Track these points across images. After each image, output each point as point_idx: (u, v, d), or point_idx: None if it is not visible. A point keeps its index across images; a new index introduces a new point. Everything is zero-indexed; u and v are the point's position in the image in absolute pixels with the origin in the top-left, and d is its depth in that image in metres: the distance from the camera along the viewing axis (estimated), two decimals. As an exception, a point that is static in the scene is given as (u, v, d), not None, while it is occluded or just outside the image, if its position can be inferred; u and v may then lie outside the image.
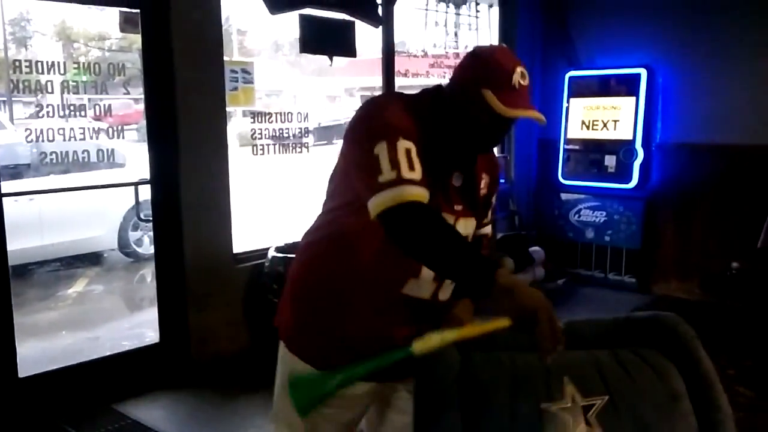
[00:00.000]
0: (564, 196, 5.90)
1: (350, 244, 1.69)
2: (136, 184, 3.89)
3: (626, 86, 5.45)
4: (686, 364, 1.79)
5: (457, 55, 5.56)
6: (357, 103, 16.71)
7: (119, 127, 3.80)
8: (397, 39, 5.03)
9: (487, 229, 1.93)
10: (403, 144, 1.54)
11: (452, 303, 1.79)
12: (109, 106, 3.80)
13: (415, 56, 5.31)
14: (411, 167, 1.53)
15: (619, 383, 1.71)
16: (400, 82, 5.06)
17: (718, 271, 4.95)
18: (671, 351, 1.81)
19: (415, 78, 5.19)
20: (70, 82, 3.57)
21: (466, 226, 1.74)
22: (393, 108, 1.62)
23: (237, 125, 5.50)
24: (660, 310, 1.92)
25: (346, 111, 16.37)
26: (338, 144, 1.82)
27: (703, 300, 5.20)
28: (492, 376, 1.74)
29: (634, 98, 5.39)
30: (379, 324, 1.72)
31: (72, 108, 3.61)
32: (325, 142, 14.63)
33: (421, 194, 1.52)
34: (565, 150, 5.83)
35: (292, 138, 4.39)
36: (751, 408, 3.55)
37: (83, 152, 3.70)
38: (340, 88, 18.15)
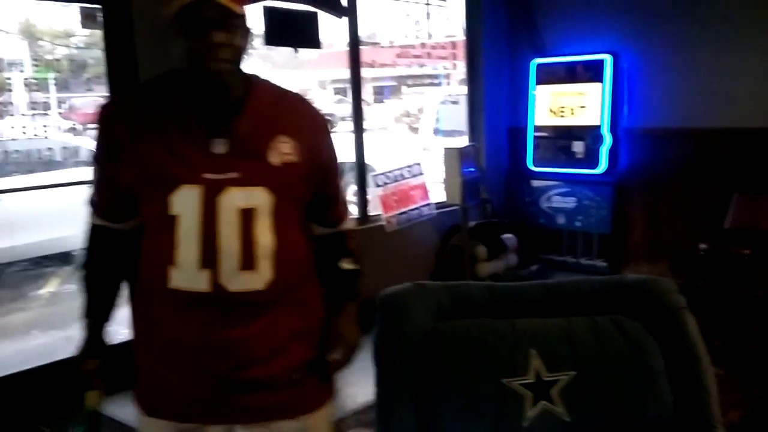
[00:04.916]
0: (534, 183, 5.94)
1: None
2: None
3: (592, 72, 5.50)
4: (670, 338, 1.72)
5: (424, 45, 5.58)
6: (329, 96, 16.67)
7: (85, 125, 3.77)
8: (367, 30, 5.03)
9: (345, 224, 1.76)
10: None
11: (273, 295, 1.54)
12: (74, 104, 3.75)
13: (381, 47, 5.32)
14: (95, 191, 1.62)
15: (589, 357, 1.67)
16: (366, 73, 5.06)
17: (686, 252, 5.03)
18: (656, 321, 1.73)
19: (382, 68, 5.20)
20: (35, 80, 3.54)
21: (244, 198, 1.49)
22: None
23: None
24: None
25: (319, 103, 16.28)
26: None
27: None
28: (455, 348, 1.70)
29: (599, 84, 5.45)
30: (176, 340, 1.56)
31: (36, 106, 3.57)
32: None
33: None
34: (533, 137, 5.87)
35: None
36: (720, 385, 3.61)
37: (49, 150, 3.67)
38: (313, 80, 18.06)
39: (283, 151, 1.52)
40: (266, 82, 1.61)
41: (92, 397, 1.69)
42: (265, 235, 1.50)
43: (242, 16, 1.45)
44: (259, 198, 1.50)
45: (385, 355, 1.75)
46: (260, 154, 1.50)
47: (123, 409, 3.50)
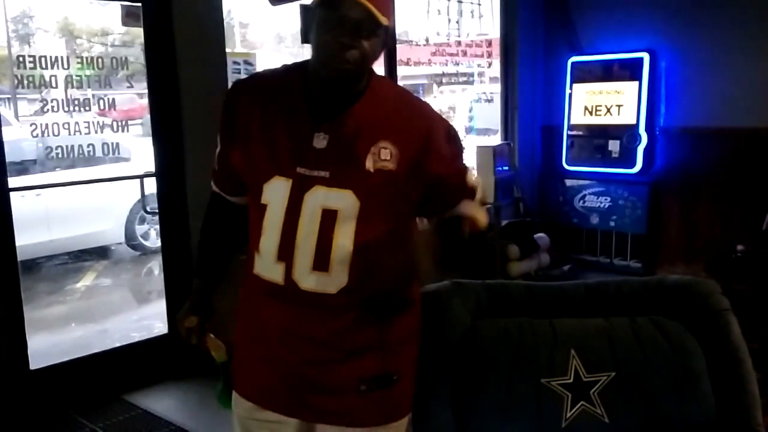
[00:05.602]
0: (568, 182, 5.89)
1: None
2: (141, 177, 3.92)
3: (629, 71, 5.42)
4: (713, 340, 1.69)
5: (459, 42, 5.56)
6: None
7: (124, 122, 3.83)
8: (399, 28, 5.02)
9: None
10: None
11: (341, 299, 1.49)
12: (113, 100, 3.81)
13: (417, 45, 5.31)
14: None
15: (629, 358, 1.65)
16: (402, 71, 5.06)
17: (723, 254, 4.94)
18: (699, 323, 1.71)
19: (417, 66, 5.19)
20: (74, 77, 3.60)
21: (328, 198, 1.44)
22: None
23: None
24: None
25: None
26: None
27: (708, 283, 5.19)
28: (494, 347, 1.71)
29: (636, 83, 5.37)
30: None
31: (76, 103, 3.64)
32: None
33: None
34: (568, 136, 5.81)
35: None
36: (758, 389, 3.55)
37: (88, 146, 3.73)
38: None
39: (382, 157, 1.44)
40: (387, 87, 1.58)
41: (217, 353, 1.75)
42: (343, 239, 1.45)
43: (383, 26, 1.39)
44: (344, 201, 1.44)
45: (423, 352, 1.75)
46: (356, 156, 1.44)
47: (159, 402, 3.57)
